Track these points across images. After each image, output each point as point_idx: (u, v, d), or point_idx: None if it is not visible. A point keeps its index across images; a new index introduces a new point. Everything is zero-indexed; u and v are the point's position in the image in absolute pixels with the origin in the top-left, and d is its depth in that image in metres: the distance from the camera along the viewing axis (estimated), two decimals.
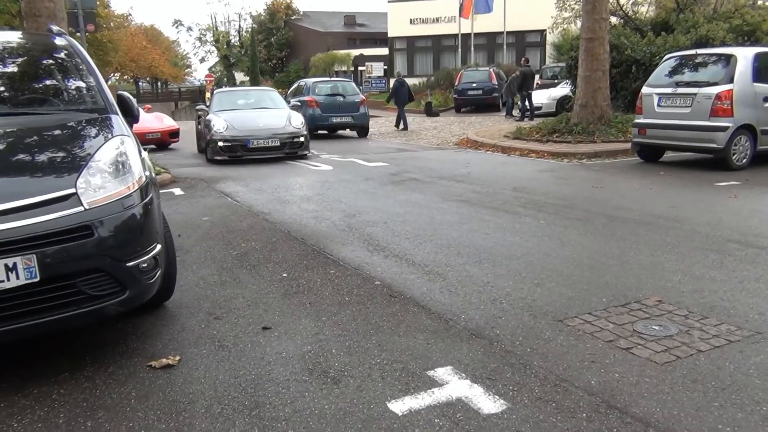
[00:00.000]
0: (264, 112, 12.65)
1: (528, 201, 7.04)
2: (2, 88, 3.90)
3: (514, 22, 30.86)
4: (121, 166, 3.12)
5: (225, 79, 54.91)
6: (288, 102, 14.56)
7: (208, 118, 12.20)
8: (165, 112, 21.40)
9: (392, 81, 23.31)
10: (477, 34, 30.71)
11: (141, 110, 5.12)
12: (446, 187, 8.22)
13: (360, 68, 39.20)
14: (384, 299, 3.94)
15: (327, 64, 42.20)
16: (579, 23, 15.84)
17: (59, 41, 4.31)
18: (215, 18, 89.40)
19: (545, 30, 26.99)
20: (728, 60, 9.02)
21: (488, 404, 2.62)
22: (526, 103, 19.06)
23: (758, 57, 9.01)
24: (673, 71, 9.69)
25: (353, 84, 19.27)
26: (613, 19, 16.82)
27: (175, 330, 3.53)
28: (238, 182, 9.09)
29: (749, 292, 3.89)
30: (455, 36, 32.43)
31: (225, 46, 57.15)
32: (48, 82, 4.12)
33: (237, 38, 58.60)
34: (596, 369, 2.91)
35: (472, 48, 30.83)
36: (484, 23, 30.24)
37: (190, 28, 78.17)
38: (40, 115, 3.63)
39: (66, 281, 2.79)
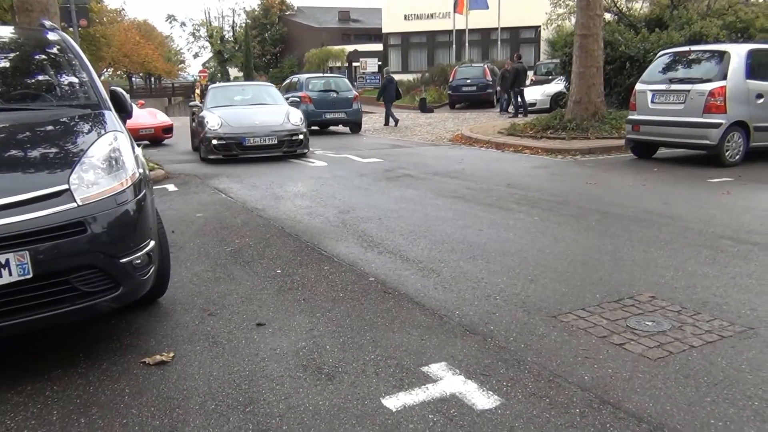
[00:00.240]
0: (261, 108, 12.11)
1: (522, 197, 7.05)
2: None
3: (509, 19, 30.88)
4: (114, 162, 3.11)
5: (219, 75, 54.76)
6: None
7: (201, 114, 11.70)
8: (158, 108, 21.29)
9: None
10: (471, 30, 30.73)
11: (134, 106, 5.09)
12: (440, 183, 8.23)
13: (354, 64, 39.16)
14: (378, 295, 3.94)
15: (321, 59, 42.11)
16: (573, 19, 15.88)
17: (52, 36, 4.28)
18: (209, 13, 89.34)
19: (540, 26, 27.00)
20: (722, 57, 9.06)
21: (482, 400, 2.62)
22: (519, 99, 19.08)
23: (751, 54, 9.04)
24: (667, 68, 9.73)
25: (346, 80, 19.23)
26: (608, 16, 16.85)
27: (169, 326, 3.52)
28: (232, 178, 9.07)
29: (741, 288, 3.92)
30: (450, 32, 32.41)
31: (219, 42, 56.97)
32: (40, 78, 4.10)
33: (231, 34, 58.43)
34: (589, 364, 2.93)
35: (467, 44, 30.85)
36: (479, 19, 30.24)
37: (183, 24, 78.32)
38: (32, 111, 3.60)
39: (59, 278, 2.78)
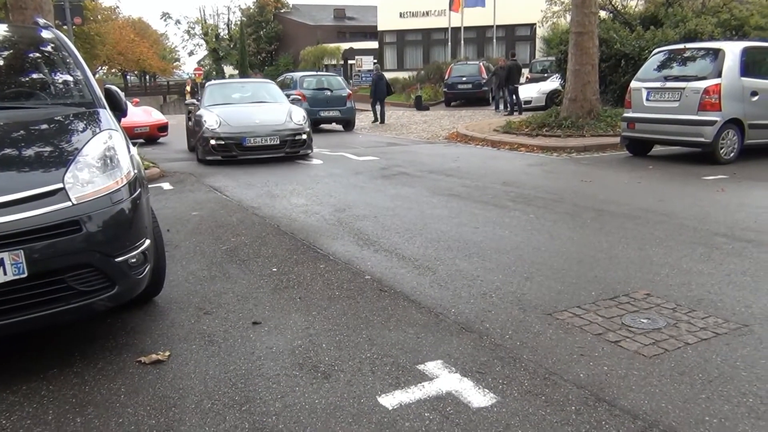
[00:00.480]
0: (261, 106, 11.46)
1: (517, 195, 7.06)
2: None
3: (504, 16, 30.86)
4: (109, 161, 3.10)
5: (214, 73, 54.56)
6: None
7: (198, 113, 11.04)
8: (153, 106, 21.27)
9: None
10: (467, 28, 30.69)
11: (129, 104, 5.08)
12: (436, 181, 8.23)
13: (350, 62, 39.11)
14: (374, 293, 3.94)
15: (317, 57, 42.05)
16: (569, 17, 15.89)
17: (46, 34, 4.26)
18: (204, 11, 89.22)
19: (535, 24, 27.06)
20: (716, 54, 9.08)
21: (478, 398, 2.63)
22: (513, 97, 19.09)
23: (746, 51, 9.07)
24: (662, 65, 9.75)
25: (339, 78, 19.19)
26: (603, 14, 16.86)
27: (165, 325, 3.51)
28: (227, 177, 9.05)
29: (736, 285, 3.93)
30: (445, 30, 32.42)
31: (214, 40, 56.77)
32: (35, 76, 4.08)
33: (226, 31, 58.22)
34: (585, 362, 2.93)
35: (462, 42, 30.83)
36: (474, 17, 30.21)
37: (178, 21, 77.64)
38: (26, 109, 3.59)
39: (54, 277, 2.77)
